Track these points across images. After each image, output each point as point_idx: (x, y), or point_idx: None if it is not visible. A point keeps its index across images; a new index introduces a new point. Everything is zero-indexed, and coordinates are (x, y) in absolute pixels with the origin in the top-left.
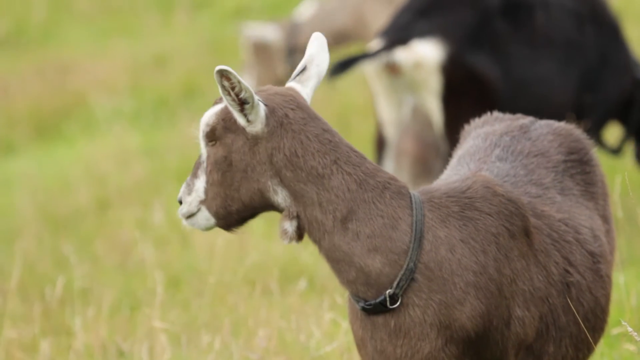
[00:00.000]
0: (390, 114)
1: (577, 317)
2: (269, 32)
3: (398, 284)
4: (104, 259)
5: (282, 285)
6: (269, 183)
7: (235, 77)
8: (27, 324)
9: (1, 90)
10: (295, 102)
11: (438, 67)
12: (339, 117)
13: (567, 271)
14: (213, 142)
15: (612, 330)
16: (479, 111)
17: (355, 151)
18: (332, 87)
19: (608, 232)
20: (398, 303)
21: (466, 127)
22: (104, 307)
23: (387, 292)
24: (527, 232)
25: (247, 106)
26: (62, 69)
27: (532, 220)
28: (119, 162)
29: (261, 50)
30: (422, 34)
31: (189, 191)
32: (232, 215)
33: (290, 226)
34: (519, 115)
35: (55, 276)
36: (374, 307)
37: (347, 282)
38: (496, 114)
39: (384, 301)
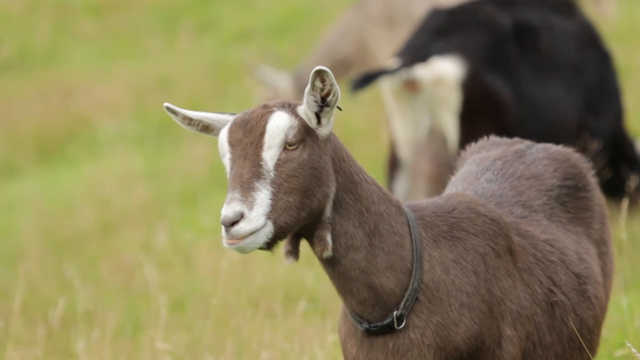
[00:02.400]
0: (406, 134)
1: (561, 337)
2: (281, 81)
3: (405, 304)
4: (108, 282)
5: (285, 307)
6: (332, 188)
7: (331, 79)
8: (30, 346)
9: (5, 113)
10: None
11: (458, 84)
12: (343, 141)
13: (551, 291)
14: (295, 146)
15: (616, 352)
16: (493, 131)
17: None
18: (355, 101)
19: (605, 254)
20: (403, 324)
21: (462, 153)
22: (107, 329)
23: (395, 313)
24: (510, 251)
25: (326, 109)
26: (65, 91)
27: (516, 239)
28: (123, 185)
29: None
30: (441, 51)
31: (250, 206)
32: (298, 224)
33: (330, 239)
34: (516, 139)
35: (58, 298)
36: (380, 329)
37: (356, 303)
38: (493, 138)
39: (391, 323)
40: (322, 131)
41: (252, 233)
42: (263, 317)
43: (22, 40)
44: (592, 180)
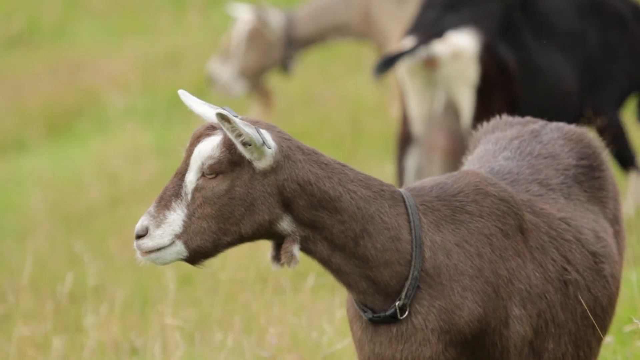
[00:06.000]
0: (420, 111)
1: (575, 315)
2: (275, 17)
3: (406, 294)
4: (117, 257)
5: (294, 283)
6: (279, 212)
7: (233, 122)
8: (39, 321)
9: (14, 88)
10: (284, 132)
11: (475, 57)
12: (351, 116)
13: (565, 269)
14: (213, 175)
15: (624, 327)
16: (506, 102)
17: (344, 165)
18: (377, 83)
19: (618, 233)
20: (407, 313)
21: (474, 133)
22: (116, 304)
23: (397, 303)
24: (521, 230)
25: (249, 147)
26: (74, 67)
27: (529, 217)
28: (132, 160)
29: (257, 36)
30: (456, 25)
31: (158, 224)
32: (218, 249)
33: (296, 250)
34: (528, 118)
35: (67, 274)
36: (383, 319)
37: (357, 293)
38: (506, 118)
39: (394, 314)
40: (258, 165)
41: (158, 250)
42: (272, 293)
43: (31, 15)
44: (606, 160)
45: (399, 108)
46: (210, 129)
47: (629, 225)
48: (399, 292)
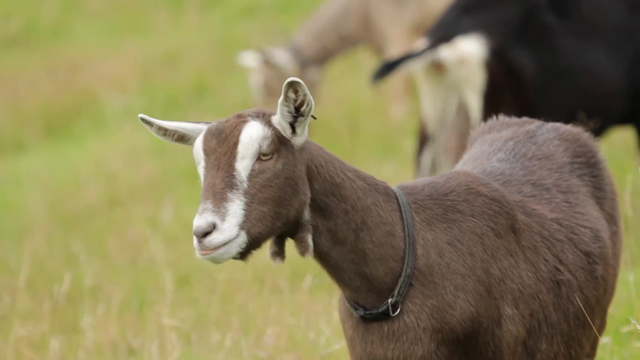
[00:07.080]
0: (434, 111)
1: (567, 315)
2: (280, 56)
3: (399, 291)
4: (114, 257)
5: (291, 283)
6: (308, 196)
7: (304, 89)
8: (36, 321)
9: (12, 88)
10: None
11: (481, 64)
12: (348, 117)
13: (557, 269)
14: (269, 156)
15: (622, 328)
16: (516, 107)
17: (339, 159)
18: (374, 88)
19: (615, 234)
20: (398, 310)
21: (472, 133)
22: (113, 304)
23: (389, 300)
24: (513, 230)
25: (300, 119)
26: (72, 67)
27: (521, 217)
28: (129, 161)
29: (274, 82)
30: (465, 30)
31: (222, 217)
32: (274, 233)
33: (311, 239)
34: (525, 119)
35: (64, 274)
36: (375, 316)
37: (350, 291)
38: (502, 118)
39: (386, 311)
40: (297, 140)
41: (225, 244)
42: (269, 293)
43: (29, 15)
44: (602, 159)
45: (399, 110)
46: (242, 117)
47: (627, 226)
48: (391, 290)
